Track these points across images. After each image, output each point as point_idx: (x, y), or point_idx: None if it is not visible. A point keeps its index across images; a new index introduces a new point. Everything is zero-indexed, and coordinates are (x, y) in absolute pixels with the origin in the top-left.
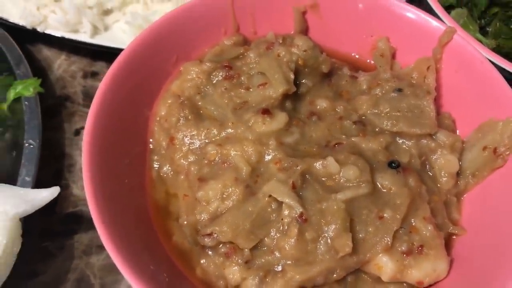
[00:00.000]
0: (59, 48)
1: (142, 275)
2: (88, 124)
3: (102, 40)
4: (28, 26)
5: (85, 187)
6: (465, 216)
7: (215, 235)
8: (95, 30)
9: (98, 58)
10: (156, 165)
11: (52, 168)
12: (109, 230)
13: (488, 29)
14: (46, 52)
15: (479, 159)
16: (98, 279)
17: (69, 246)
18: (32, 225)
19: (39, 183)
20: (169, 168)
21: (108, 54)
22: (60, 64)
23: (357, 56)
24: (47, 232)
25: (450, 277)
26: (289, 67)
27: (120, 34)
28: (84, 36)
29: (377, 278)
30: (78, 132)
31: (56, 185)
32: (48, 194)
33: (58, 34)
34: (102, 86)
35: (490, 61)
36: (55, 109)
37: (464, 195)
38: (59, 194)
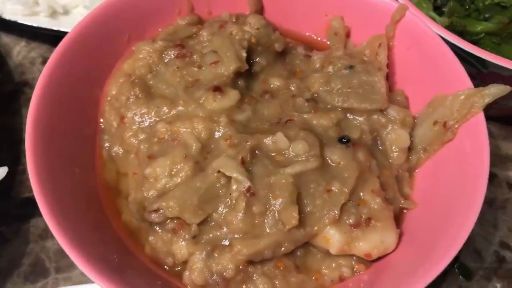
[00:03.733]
0: (19, 34)
1: (91, 258)
2: (32, 105)
3: (61, 25)
4: None
5: (29, 170)
6: (417, 190)
7: (162, 210)
8: (54, 14)
9: (58, 44)
10: (106, 145)
11: (10, 153)
12: (55, 214)
13: (443, 9)
14: (4, 39)
15: (430, 133)
16: (53, 263)
17: (25, 231)
18: None
19: None
20: (120, 147)
21: None
22: (20, 50)
23: (313, 36)
24: (2, 217)
25: (400, 249)
26: (241, 45)
27: (80, 19)
28: (43, 21)
29: (326, 252)
30: None
31: (13, 170)
32: None
33: (14, 18)
34: (47, 66)
35: (442, 38)
36: (14, 95)
37: (416, 170)
38: (15, 179)
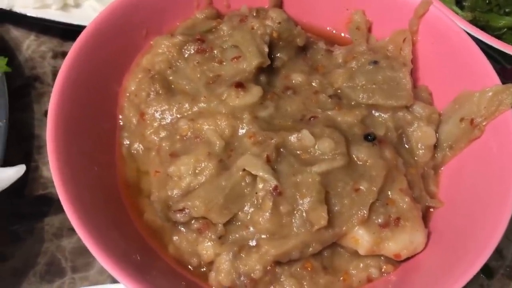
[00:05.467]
0: (29, 28)
1: (113, 256)
2: (53, 101)
3: (72, 18)
4: None
5: (51, 167)
6: (443, 189)
7: (187, 210)
8: (65, 7)
9: (68, 38)
10: (126, 142)
11: (21, 149)
12: (77, 210)
13: (464, 3)
14: (14, 33)
15: (456, 130)
16: (69, 262)
17: (39, 229)
18: (0, 208)
19: (7, 165)
20: (140, 144)
21: (79, 33)
22: (29, 44)
23: (333, 31)
24: (16, 215)
25: (428, 250)
26: (263, 39)
27: (91, 12)
28: (53, 14)
29: (354, 252)
30: (47, 113)
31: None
32: (13, 172)
33: (24, 11)
34: (66, 62)
35: (467, 32)
36: (24, 90)
37: (442, 168)
38: (28, 176)
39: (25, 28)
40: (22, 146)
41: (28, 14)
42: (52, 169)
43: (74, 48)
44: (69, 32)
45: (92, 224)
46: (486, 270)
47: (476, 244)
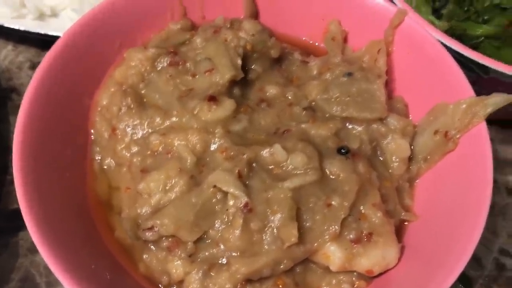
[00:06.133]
0: (6, 38)
1: (79, 275)
2: (21, 114)
3: (49, 28)
4: None
5: (15, 180)
6: (418, 202)
7: (156, 228)
8: (42, 17)
9: (47, 48)
10: (98, 157)
11: None
12: (40, 225)
13: (442, 12)
14: None
15: (431, 143)
16: (44, 278)
17: (14, 244)
18: None
19: None
20: (111, 160)
21: None
22: (7, 54)
23: (310, 41)
24: None
25: (401, 265)
26: (236, 52)
27: (68, 22)
28: (30, 24)
29: (326, 268)
30: None
31: (0, 180)
32: None
33: (1, 22)
34: (37, 73)
35: (442, 43)
36: (1, 101)
37: (417, 181)
38: (3, 190)
39: (2, 38)
40: None
41: (5, 25)
42: (16, 180)
43: (46, 59)
44: (47, 42)
45: (57, 240)
46: (465, 280)
47: (450, 256)
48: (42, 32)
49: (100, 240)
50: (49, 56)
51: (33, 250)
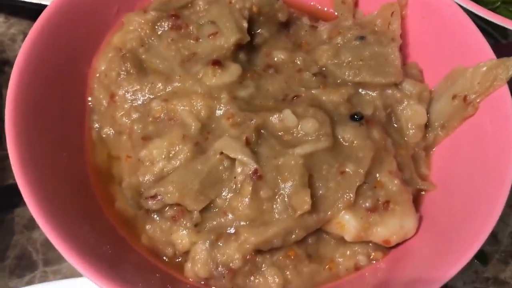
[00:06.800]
0: None
1: (79, 249)
2: (11, 85)
3: None
4: None
5: (10, 155)
6: (435, 171)
7: (160, 196)
8: None
9: None
10: (96, 126)
11: None
12: (38, 199)
13: None
14: None
15: (449, 108)
16: (41, 255)
17: (9, 221)
18: None
19: None
20: (111, 128)
21: None
22: None
23: (318, 6)
24: None
25: (419, 235)
26: (242, 14)
27: None
28: None
29: (340, 239)
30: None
31: None
32: None
33: None
34: (27, 41)
35: (459, 5)
36: None
37: (434, 149)
38: None
39: None
40: None
41: None
42: (11, 154)
43: (35, 27)
44: (41, 13)
45: (57, 214)
46: (481, 256)
47: (470, 229)
48: (35, 1)
49: (101, 212)
50: (38, 23)
51: (29, 226)
